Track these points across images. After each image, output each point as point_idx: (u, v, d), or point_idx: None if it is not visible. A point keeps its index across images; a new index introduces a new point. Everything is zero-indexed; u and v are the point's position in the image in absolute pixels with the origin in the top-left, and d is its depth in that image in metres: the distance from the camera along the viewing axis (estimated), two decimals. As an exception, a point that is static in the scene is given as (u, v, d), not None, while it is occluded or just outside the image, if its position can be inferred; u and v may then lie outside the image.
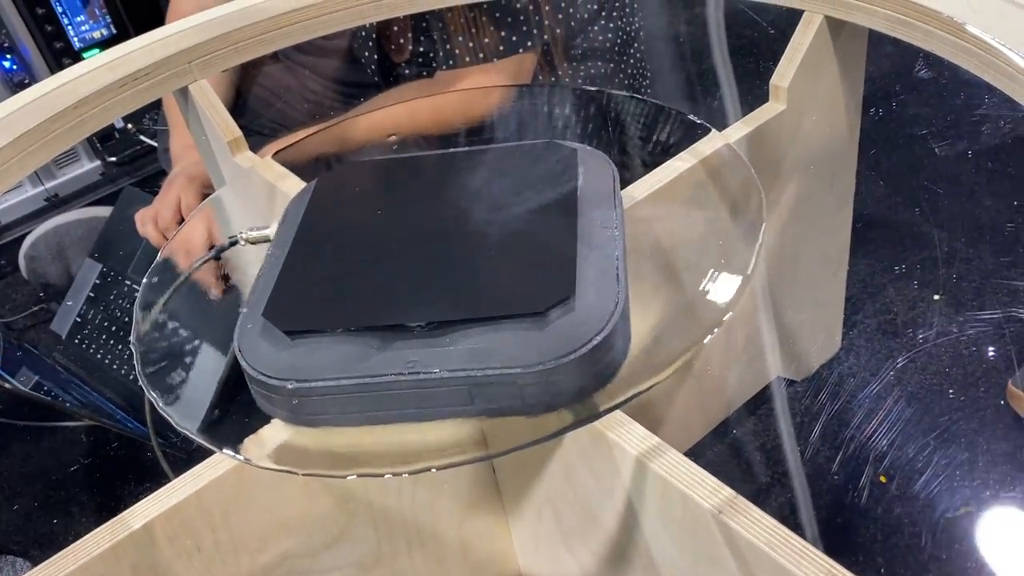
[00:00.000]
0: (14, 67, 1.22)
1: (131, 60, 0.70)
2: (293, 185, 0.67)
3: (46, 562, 0.46)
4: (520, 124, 0.61)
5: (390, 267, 0.42)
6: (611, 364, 0.37)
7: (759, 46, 1.33)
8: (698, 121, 0.55)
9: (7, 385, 0.89)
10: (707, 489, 0.44)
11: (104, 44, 1.28)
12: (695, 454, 0.80)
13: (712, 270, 0.42)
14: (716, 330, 0.38)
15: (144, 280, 0.50)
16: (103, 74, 0.69)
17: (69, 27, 1.24)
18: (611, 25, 0.98)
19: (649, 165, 0.61)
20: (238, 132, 0.74)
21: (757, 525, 0.42)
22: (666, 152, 0.59)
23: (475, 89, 0.84)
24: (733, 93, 0.78)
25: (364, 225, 0.48)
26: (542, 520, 0.64)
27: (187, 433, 0.41)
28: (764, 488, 0.81)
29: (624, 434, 0.46)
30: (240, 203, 0.66)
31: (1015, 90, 0.49)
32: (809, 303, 0.86)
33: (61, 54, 1.25)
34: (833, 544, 0.75)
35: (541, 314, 0.36)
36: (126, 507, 0.47)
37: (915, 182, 1.14)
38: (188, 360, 0.47)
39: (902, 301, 0.96)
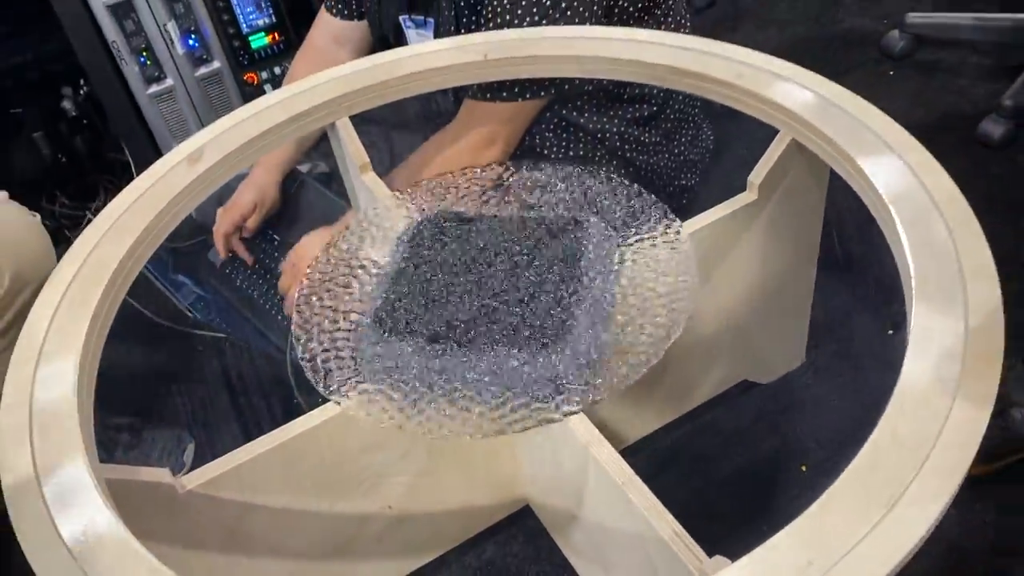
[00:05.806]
0: (195, 45, 1.53)
1: (297, 101, 0.98)
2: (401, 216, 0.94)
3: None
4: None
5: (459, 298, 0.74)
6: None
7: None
8: (672, 219, 0.82)
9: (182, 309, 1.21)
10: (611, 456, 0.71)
11: (266, 30, 1.57)
12: (653, 439, 1.08)
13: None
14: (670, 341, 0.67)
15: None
16: (277, 112, 0.97)
17: (240, 15, 1.54)
18: None
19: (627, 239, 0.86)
20: (366, 159, 1.02)
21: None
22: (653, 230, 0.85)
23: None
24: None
25: (448, 262, 0.78)
26: (534, 462, 0.94)
27: (321, 391, 0.72)
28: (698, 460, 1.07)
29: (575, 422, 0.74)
30: (368, 223, 0.94)
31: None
32: (776, 332, 1.10)
33: (232, 37, 1.55)
34: (745, 511, 1.02)
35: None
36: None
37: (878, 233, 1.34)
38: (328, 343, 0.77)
39: (861, 330, 1.20)
